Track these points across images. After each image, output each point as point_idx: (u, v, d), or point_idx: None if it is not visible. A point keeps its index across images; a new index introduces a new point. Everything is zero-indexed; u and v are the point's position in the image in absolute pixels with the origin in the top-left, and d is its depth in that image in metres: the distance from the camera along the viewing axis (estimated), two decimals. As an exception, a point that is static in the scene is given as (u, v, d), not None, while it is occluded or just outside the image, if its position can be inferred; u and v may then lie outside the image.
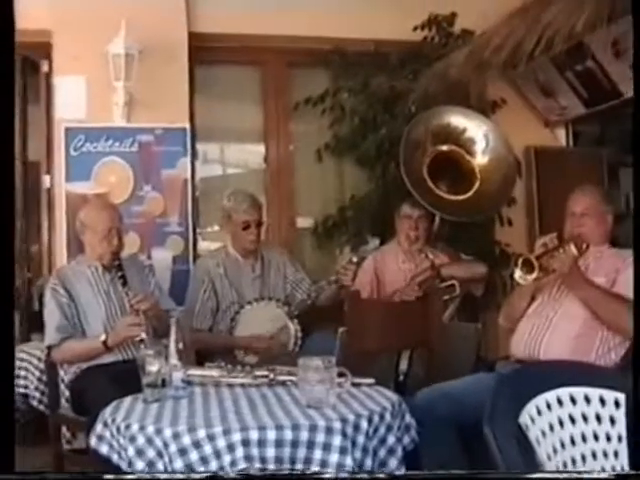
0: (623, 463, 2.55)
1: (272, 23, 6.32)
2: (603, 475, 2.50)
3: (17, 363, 5.30)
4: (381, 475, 2.96)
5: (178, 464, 2.87)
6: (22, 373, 5.24)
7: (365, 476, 2.86)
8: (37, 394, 5.21)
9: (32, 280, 6.19)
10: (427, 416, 3.58)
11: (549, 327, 4.03)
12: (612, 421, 2.63)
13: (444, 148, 5.61)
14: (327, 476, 2.81)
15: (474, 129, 5.63)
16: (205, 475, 2.76)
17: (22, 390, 5.21)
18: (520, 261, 3.99)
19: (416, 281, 5.27)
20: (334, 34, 6.41)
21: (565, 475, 2.50)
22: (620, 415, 2.62)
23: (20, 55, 5.97)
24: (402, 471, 3.16)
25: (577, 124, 7.07)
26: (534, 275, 3.96)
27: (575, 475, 2.49)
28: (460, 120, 5.63)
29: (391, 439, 3.17)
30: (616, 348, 3.94)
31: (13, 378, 2.61)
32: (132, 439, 3.01)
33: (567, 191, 4.34)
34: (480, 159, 5.61)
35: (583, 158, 7.07)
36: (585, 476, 2.46)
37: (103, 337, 4.48)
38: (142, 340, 4.37)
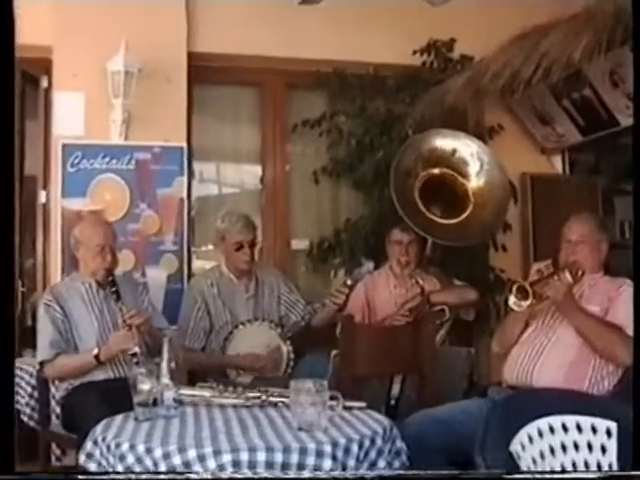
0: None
1: (271, 44, 6.35)
2: (590, 475, 2.50)
3: (8, 378, 5.28)
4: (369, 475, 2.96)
5: (167, 484, 2.86)
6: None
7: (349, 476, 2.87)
8: (28, 410, 5.18)
9: (26, 295, 6.18)
10: (418, 441, 3.58)
11: (542, 354, 4.03)
12: (603, 450, 2.63)
13: (435, 171, 5.60)
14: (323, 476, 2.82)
15: (465, 150, 5.61)
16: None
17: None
18: (514, 287, 3.98)
19: (406, 307, 5.26)
20: (333, 57, 6.44)
21: (554, 476, 2.50)
22: (612, 444, 2.62)
23: (20, 70, 5.99)
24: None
25: (573, 152, 7.09)
26: (528, 302, 3.95)
27: (562, 476, 2.49)
28: (449, 142, 5.61)
29: (381, 463, 3.15)
30: (609, 376, 3.93)
31: (13, 379, 2.60)
32: (122, 458, 2.99)
33: (562, 218, 4.34)
34: (474, 182, 5.58)
35: (578, 186, 7.08)
36: (572, 476, 2.46)
37: (95, 351, 4.47)
38: (135, 354, 4.35)
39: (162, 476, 2.81)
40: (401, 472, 3.20)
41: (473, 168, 5.59)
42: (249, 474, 2.82)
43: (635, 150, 2.71)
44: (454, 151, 5.58)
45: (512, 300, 3.98)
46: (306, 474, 2.89)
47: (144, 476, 2.85)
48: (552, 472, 2.55)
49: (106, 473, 3.07)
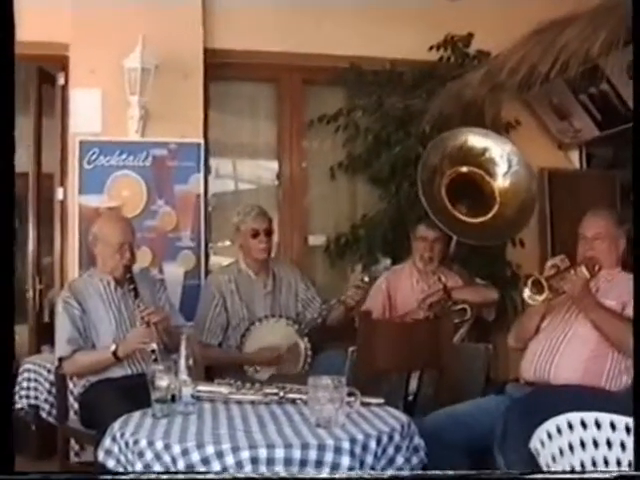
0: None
1: (288, 40, 6.36)
2: (605, 475, 2.49)
3: (27, 375, 5.33)
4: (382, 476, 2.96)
5: (186, 480, 2.86)
6: (32, 384, 5.26)
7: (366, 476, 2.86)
8: (47, 406, 5.22)
9: (44, 292, 6.20)
10: (436, 439, 3.57)
11: (559, 349, 4.01)
12: (623, 447, 2.62)
13: (463, 169, 5.60)
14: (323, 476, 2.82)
15: (495, 150, 5.61)
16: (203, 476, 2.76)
17: (32, 401, 5.23)
18: (530, 281, 3.97)
19: (427, 302, 5.27)
20: (350, 52, 6.44)
21: (567, 476, 2.49)
22: (631, 440, 2.61)
23: (37, 67, 6.01)
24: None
25: (590, 146, 7.07)
26: (544, 296, 3.94)
27: (577, 476, 2.48)
28: (481, 141, 5.61)
29: (399, 460, 3.15)
30: (627, 371, 3.91)
31: (13, 379, 2.61)
32: (140, 454, 3.00)
33: (580, 213, 4.33)
34: (500, 182, 5.58)
35: (596, 180, 7.07)
36: (587, 476, 2.46)
37: (113, 347, 4.47)
38: (153, 351, 4.35)
39: (164, 476, 2.81)
40: (417, 472, 3.20)
41: (501, 168, 5.58)
42: (266, 473, 2.82)
43: (635, 137, 2.69)
44: (485, 150, 5.58)
45: (527, 294, 3.98)
46: (324, 473, 2.89)
47: (144, 477, 2.86)
48: (562, 472, 2.54)
49: (109, 473, 3.07)
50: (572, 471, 2.56)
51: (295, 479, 2.80)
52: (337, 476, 2.84)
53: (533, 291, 3.96)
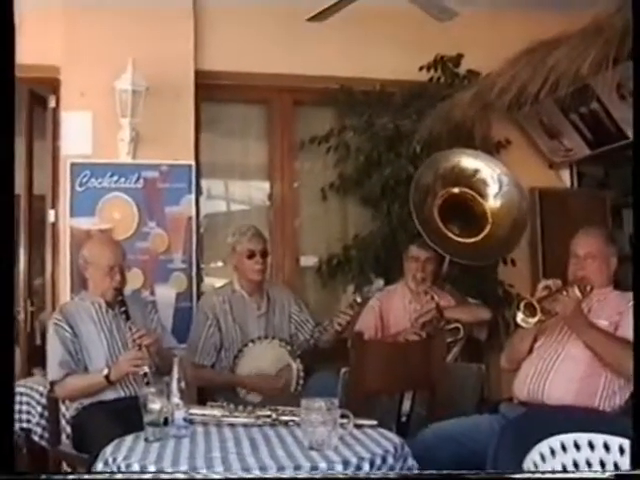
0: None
1: (278, 62, 6.37)
2: (603, 475, 2.49)
3: (19, 398, 5.28)
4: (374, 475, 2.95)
5: (178, 505, 2.85)
6: (24, 408, 5.22)
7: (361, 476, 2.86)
8: (38, 429, 5.18)
9: (35, 314, 6.17)
10: (428, 458, 3.56)
11: (552, 369, 4.01)
12: (616, 467, 2.61)
13: (455, 190, 5.62)
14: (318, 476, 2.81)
15: (486, 171, 5.64)
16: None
17: (24, 425, 5.19)
18: (522, 304, 3.97)
19: (420, 322, 5.27)
20: (340, 73, 6.45)
21: (566, 475, 2.48)
22: (624, 461, 2.60)
23: (28, 89, 6.01)
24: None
25: (581, 165, 7.07)
26: (536, 318, 3.93)
27: (575, 475, 2.48)
28: (472, 162, 5.64)
29: (393, 482, 3.15)
30: (620, 391, 3.92)
31: (13, 380, 2.60)
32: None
33: (571, 232, 4.34)
34: (492, 202, 5.62)
35: (587, 199, 7.07)
36: (585, 476, 2.45)
37: (105, 371, 4.46)
38: (145, 374, 4.34)
39: (164, 475, 2.81)
40: (406, 472, 3.18)
41: (492, 189, 5.63)
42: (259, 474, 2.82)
43: (636, 157, 2.70)
44: (476, 172, 5.61)
45: (520, 317, 3.97)
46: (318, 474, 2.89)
47: (147, 476, 2.86)
48: (560, 472, 2.54)
49: (109, 473, 3.06)
50: (570, 471, 2.55)
51: (289, 479, 2.79)
52: (331, 475, 2.83)
53: (526, 314, 3.95)
